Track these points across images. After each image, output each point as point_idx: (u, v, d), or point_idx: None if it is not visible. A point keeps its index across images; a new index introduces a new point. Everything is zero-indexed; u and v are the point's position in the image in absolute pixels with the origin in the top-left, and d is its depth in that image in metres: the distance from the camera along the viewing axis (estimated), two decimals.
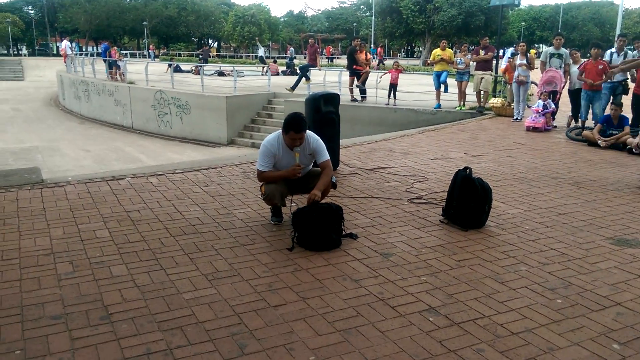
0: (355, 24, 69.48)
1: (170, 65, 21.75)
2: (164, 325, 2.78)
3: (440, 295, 3.21)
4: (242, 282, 3.32)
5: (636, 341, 2.72)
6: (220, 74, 25.11)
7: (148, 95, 18.46)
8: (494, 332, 2.79)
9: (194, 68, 26.00)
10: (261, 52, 32.34)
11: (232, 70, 20.51)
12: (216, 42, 74.98)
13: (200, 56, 39.18)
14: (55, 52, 58.22)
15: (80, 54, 35.01)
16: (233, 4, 74.78)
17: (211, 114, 16.52)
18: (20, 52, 68.56)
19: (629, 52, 9.48)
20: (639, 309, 3.06)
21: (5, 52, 64.38)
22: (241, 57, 53.16)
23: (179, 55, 51.85)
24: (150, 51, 46.76)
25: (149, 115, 18.51)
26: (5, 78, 38.25)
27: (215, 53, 62.17)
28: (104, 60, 23.19)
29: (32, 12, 70.20)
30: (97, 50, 40.66)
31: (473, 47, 15.25)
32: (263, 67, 27.11)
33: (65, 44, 29.67)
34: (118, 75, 21.73)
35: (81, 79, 23.14)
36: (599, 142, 8.20)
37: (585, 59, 9.70)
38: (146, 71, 19.19)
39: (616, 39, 9.80)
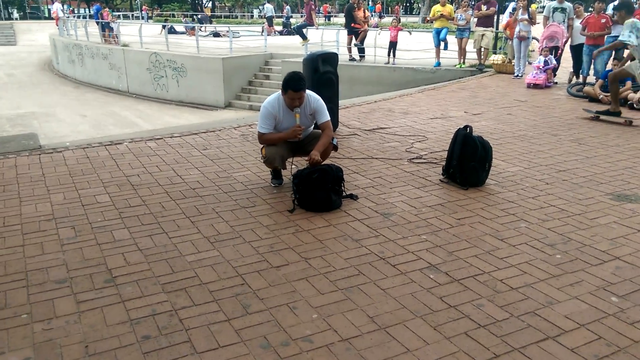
0: None
1: (164, 27, 21.32)
2: (168, 287, 2.81)
3: (441, 253, 3.24)
4: (244, 244, 3.34)
5: (634, 294, 2.76)
6: (216, 34, 24.66)
7: (143, 58, 18.18)
8: (494, 287, 2.83)
9: (188, 29, 25.50)
10: (270, 11, 31.17)
11: (227, 31, 20.13)
12: (210, 2, 73.35)
13: (199, 18, 38.30)
14: (47, 15, 57.00)
15: (73, 17, 34.26)
16: None
17: (207, 77, 16.31)
18: (11, 15, 67.14)
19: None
20: (638, 263, 3.10)
21: None
22: (236, 17, 52.09)
23: (173, 16, 50.80)
24: (143, 12, 45.77)
25: (145, 79, 18.27)
26: None
27: (209, 13, 60.92)
28: (97, 23, 22.74)
29: None
30: (90, 12, 39.83)
31: (474, 3, 14.91)
32: (263, 27, 26.57)
33: (56, 7, 29.01)
34: (112, 38, 21.35)
35: (74, 42, 22.75)
36: (600, 97, 8.12)
37: (588, 13, 9.50)
38: (140, 33, 18.84)
39: None
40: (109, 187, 4.35)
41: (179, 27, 27.83)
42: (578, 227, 3.62)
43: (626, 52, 8.93)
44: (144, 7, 50.36)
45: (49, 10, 50.12)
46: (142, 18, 41.12)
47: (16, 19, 61.84)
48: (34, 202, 4.00)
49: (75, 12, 45.48)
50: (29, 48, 34.01)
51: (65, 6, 35.41)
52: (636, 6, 8.96)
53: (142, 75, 18.34)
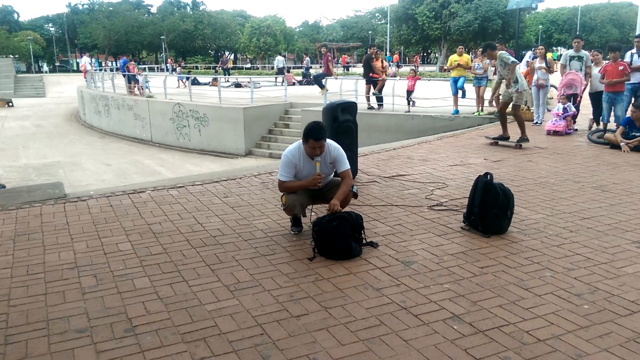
0: (370, 32, 69.65)
1: (187, 79, 22.01)
2: (188, 337, 2.79)
3: (464, 302, 3.17)
4: (263, 292, 3.32)
5: None
6: (237, 85, 25.34)
7: (166, 109, 18.70)
8: (520, 339, 2.74)
9: (211, 80, 26.27)
10: (281, 63, 32.36)
11: (248, 82, 20.68)
12: (233, 54, 75.77)
13: (220, 67, 39.53)
14: (75, 68, 59.46)
15: (100, 70, 35.64)
16: (249, 15, 75.65)
17: (229, 126, 16.65)
18: (41, 69, 70.13)
19: None
20: None
21: (26, 69, 65.86)
22: (257, 68, 53.58)
23: (196, 68, 52.49)
24: (168, 65, 47.43)
25: (168, 128, 18.73)
26: (27, 95, 39.16)
27: (231, 64, 62.87)
28: (123, 75, 23.58)
29: (53, 29, 71.99)
30: (116, 65, 41.35)
31: None
32: (276, 78, 27.30)
33: (85, 60, 30.28)
34: (137, 90, 22.07)
35: (101, 94, 23.55)
36: (621, 144, 8.06)
37: (606, 61, 9.57)
38: (164, 85, 19.46)
39: (635, 39, 9.66)
40: (131, 235, 4.40)
41: (203, 79, 28.69)
42: (605, 276, 3.52)
43: None
44: (169, 59, 52.17)
45: (78, 63, 52.31)
46: (167, 70, 42.52)
47: (46, 72, 64.61)
48: (58, 251, 4.05)
49: (103, 65, 47.33)
50: (57, 100, 35.33)
51: (93, 60, 36.88)
52: None
53: (165, 125, 18.81)
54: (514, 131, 8.82)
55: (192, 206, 5.24)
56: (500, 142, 8.77)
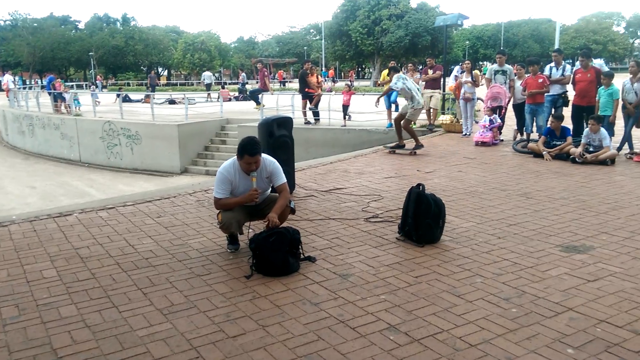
0: (305, 47, 70.39)
1: (118, 95, 21.34)
2: None
3: (400, 312, 3.22)
4: (198, 314, 3.23)
5: (589, 344, 2.80)
6: (171, 102, 24.81)
7: (96, 127, 18.01)
8: (453, 345, 2.81)
9: (144, 97, 25.61)
10: (208, 79, 32.31)
11: (183, 98, 20.31)
12: (166, 70, 74.33)
13: (147, 84, 38.51)
14: None
15: (24, 88, 33.90)
16: (182, 31, 74.58)
17: (163, 143, 16.24)
18: None
19: (567, 65, 9.94)
20: (590, 313, 3.16)
21: None
22: (192, 84, 52.79)
23: (128, 84, 51.04)
24: (97, 82, 45.83)
25: (98, 147, 18.02)
26: None
27: (165, 81, 61.59)
28: (49, 93, 22.55)
29: None
30: (42, 83, 39.47)
31: (422, 67, 15.67)
32: (209, 94, 27.04)
33: (7, 78, 28.68)
34: (64, 108, 21.15)
35: (25, 113, 22.36)
36: (543, 153, 8.52)
37: (528, 75, 10.14)
38: (93, 102, 18.75)
39: (553, 54, 10.29)
40: (56, 261, 4.17)
41: (134, 96, 27.93)
42: (531, 279, 3.69)
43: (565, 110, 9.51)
44: (98, 76, 50.47)
45: (0, 81, 49.54)
46: (97, 87, 41.06)
47: None
48: None
49: (27, 83, 45.03)
50: None
51: (16, 77, 35.03)
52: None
53: (95, 144, 18.09)
54: (446, 142, 9.14)
55: (123, 228, 5.04)
56: (397, 151, 9.71)
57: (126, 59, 63.80)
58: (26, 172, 17.69)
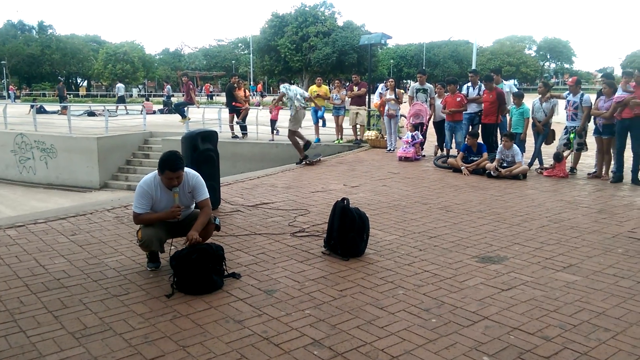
0: (233, 61, 69.91)
1: (32, 107, 20.15)
2: None
3: (324, 327, 3.22)
4: (114, 336, 3.08)
5: (503, 352, 2.93)
6: (91, 114, 23.78)
7: (7, 140, 16.88)
8: (376, 358, 2.85)
9: (60, 109, 24.34)
10: (121, 91, 31.58)
11: (103, 110, 19.49)
12: (86, 81, 71.18)
13: (56, 95, 36.48)
14: None
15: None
16: (103, 41, 71.78)
17: (80, 157, 15.47)
18: None
19: (482, 85, 10.49)
20: (504, 321, 3.31)
21: None
22: (114, 96, 50.89)
23: (44, 95, 48.36)
24: (10, 92, 43.06)
25: (9, 161, 16.89)
26: None
27: (84, 92, 58.94)
28: None
29: None
30: None
31: (348, 84, 16.00)
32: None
33: None
34: None
35: None
36: (462, 168, 8.92)
37: (447, 94, 10.61)
38: (4, 113, 17.60)
39: (470, 74, 10.85)
40: None
41: (50, 107, 26.48)
42: (450, 290, 3.82)
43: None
44: (10, 86, 47.44)
45: None
46: (9, 97, 38.60)
47: None
48: None
49: None
50: None
51: None
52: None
53: (5, 158, 16.94)
54: (371, 158, 9.33)
55: (34, 247, 4.73)
56: (306, 162, 10.26)
57: (42, 69, 60.43)
58: None
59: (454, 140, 10.43)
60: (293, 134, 10.29)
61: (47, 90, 54.54)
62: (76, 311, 3.41)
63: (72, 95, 49.46)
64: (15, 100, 37.79)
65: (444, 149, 10.70)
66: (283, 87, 10.61)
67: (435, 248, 4.82)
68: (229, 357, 2.86)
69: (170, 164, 3.92)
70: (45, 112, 23.94)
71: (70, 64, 62.26)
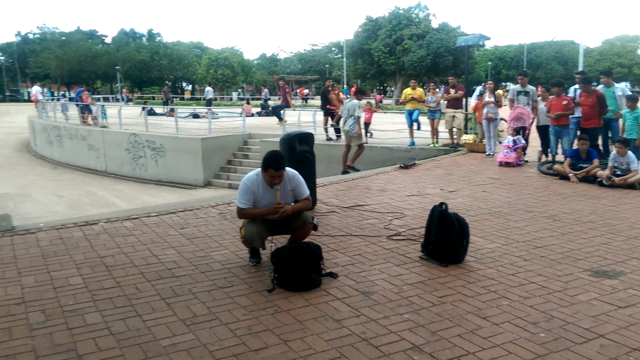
0: (327, 65, 70.88)
1: (144, 109, 21.73)
2: None
3: (424, 332, 3.17)
4: (221, 326, 3.23)
5: None
6: (195, 116, 25.17)
7: (122, 139, 18.33)
8: None
9: (168, 111, 26.03)
10: (210, 94, 33.37)
11: (206, 112, 20.59)
12: (190, 85, 75.44)
13: (162, 98, 39.08)
14: (26, 97, 57.70)
15: (52, 99, 34.74)
16: (206, 47, 75.70)
17: (186, 156, 16.45)
18: None
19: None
20: (622, 340, 3.07)
21: None
22: (215, 99, 53.52)
23: (153, 98, 51.90)
24: (123, 95, 46.69)
25: (123, 159, 18.33)
26: None
27: (189, 96, 62.43)
28: (76, 105, 23.05)
29: (2, 58, 69.91)
30: (70, 95, 40.31)
31: (443, 86, 15.65)
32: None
33: (35, 90, 29.46)
34: (90, 119, 21.59)
35: (53, 124, 22.89)
36: (570, 175, 8.39)
37: (551, 97, 10.05)
38: (119, 115, 19.12)
39: (577, 75, 10.22)
40: (82, 268, 4.22)
41: (159, 109, 28.40)
42: (560, 304, 3.61)
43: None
44: (123, 89, 51.42)
45: (29, 93, 50.85)
46: (122, 100, 41.85)
47: None
48: (4, 285, 3.84)
49: (55, 94, 46.11)
50: (7, 130, 34.01)
51: (45, 89, 35.90)
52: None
53: (120, 156, 18.41)
54: (469, 162, 9.02)
55: (147, 238, 5.09)
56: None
57: (151, 73, 64.95)
58: (54, 181, 18.04)
59: (559, 146, 9.85)
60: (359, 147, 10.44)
61: (155, 94, 58.46)
62: (186, 300, 3.63)
63: (177, 99, 52.54)
64: (128, 103, 40.88)
65: (549, 154, 10.12)
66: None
67: (542, 259, 4.57)
68: (328, 354, 2.90)
69: (274, 163, 4.06)
70: (155, 114, 25.71)
71: (177, 69, 66.39)
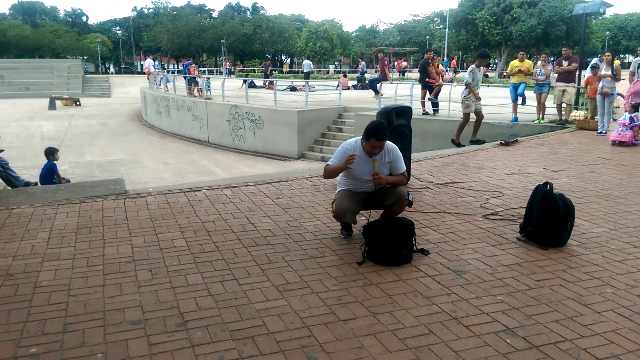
0: (428, 36, 68.76)
1: (245, 81, 22.46)
2: (236, 334, 2.83)
3: (518, 316, 3.06)
4: (312, 294, 3.33)
5: None
6: (293, 89, 25.62)
7: (224, 110, 19.14)
8: (577, 356, 2.62)
9: (267, 84, 26.73)
10: (308, 67, 33.68)
11: (304, 86, 20.88)
12: (289, 58, 76.71)
13: (262, 71, 40.31)
14: (139, 69, 61.88)
15: (164, 72, 36.94)
16: (307, 20, 76.35)
17: (283, 128, 16.86)
18: (107, 70, 73.44)
19: None
20: None
21: (94, 70, 69.09)
22: (313, 72, 54.05)
23: (254, 71, 53.47)
24: (225, 68, 48.56)
25: (224, 130, 19.16)
26: (93, 94, 41.06)
27: (287, 69, 63.57)
28: (184, 77, 24.34)
29: (120, 32, 75.20)
30: (178, 67, 42.59)
31: (553, 58, 14.61)
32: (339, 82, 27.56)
33: (149, 62, 31.42)
34: (196, 91, 22.71)
35: (162, 95, 24.38)
36: None
37: None
38: (222, 87, 19.93)
39: None
40: (185, 232, 4.52)
41: (259, 82, 29.23)
42: None
43: None
44: (225, 63, 53.41)
45: (142, 65, 54.47)
46: (225, 73, 43.54)
47: (112, 73, 67.58)
48: (117, 244, 4.22)
49: (166, 67, 49.01)
50: (121, 100, 36.85)
51: (156, 62, 38.20)
52: None
53: (222, 127, 19.26)
54: (578, 140, 8.45)
55: (245, 206, 5.32)
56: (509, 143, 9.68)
57: (253, 47, 66.77)
58: (161, 149, 19.34)
59: None
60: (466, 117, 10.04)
61: (256, 67, 60.19)
62: (279, 267, 3.77)
63: (277, 72, 53.70)
64: (230, 76, 42.48)
65: None
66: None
67: None
68: (417, 330, 2.89)
69: (377, 133, 4.04)
70: (255, 86, 26.47)
71: (277, 42, 67.65)
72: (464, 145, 9.92)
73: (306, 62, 35.42)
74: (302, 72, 36.17)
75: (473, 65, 9.91)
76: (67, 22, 73.23)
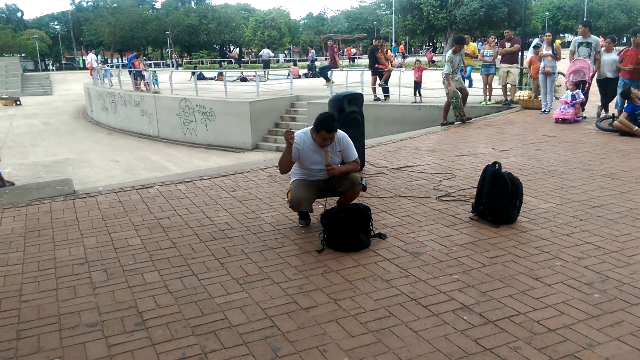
0: (375, 22, 69.14)
1: (194, 74, 22.02)
2: (198, 330, 2.81)
3: (474, 293, 3.16)
4: (272, 285, 3.33)
5: None
6: (243, 79, 25.30)
7: (173, 104, 18.73)
8: (531, 329, 2.73)
9: (217, 75, 26.28)
10: (266, 55, 33.36)
11: (254, 76, 20.67)
12: (237, 48, 75.66)
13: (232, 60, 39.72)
14: (81, 65, 59.60)
15: (107, 66, 35.73)
16: (253, 9, 75.32)
17: (235, 120, 16.67)
18: (47, 67, 70.38)
19: None
20: None
21: (33, 67, 66.07)
22: (271, 60, 53.43)
23: (202, 62, 52.42)
24: (173, 60, 47.41)
25: (175, 124, 18.78)
26: (34, 93, 39.29)
27: (236, 56, 62.69)
28: (129, 72, 23.62)
29: (58, 27, 72.07)
30: (122, 61, 41.33)
31: (497, 40, 15.01)
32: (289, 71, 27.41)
33: (91, 57, 30.29)
34: (143, 85, 22.10)
35: (108, 90, 23.62)
36: (634, 130, 7.95)
37: (625, 47, 9.35)
38: (170, 80, 19.48)
39: None
40: (140, 230, 4.42)
41: (208, 74, 28.70)
42: (616, 265, 3.50)
43: None
44: (173, 55, 52.16)
45: (84, 60, 52.46)
46: (172, 65, 42.53)
47: (52, 70, 64.77)
48: (68, 246, 4.08)
49: (109, 62, 47.41)
50: (64, 97, 35.44)
51: (99, 56, 36.91)
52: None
53: (172, 121, 18.86)
54: (523, 120, 8.73)
55: (201, 200, 5.25)
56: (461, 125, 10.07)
57: (200, 38, 65.41)
58: (110, 146, 18.76)
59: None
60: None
61: (203, 58, 59.01)
62: (239, 260, 3.75)
63: (225, 62, 52.85)
64: (178, 68, 41.54)
65: (615, 109, 9.57)
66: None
67: (598, 219, 4.42)
68: (377, 313, 2.94)
69: (326, 125, 4.06)
70: (205, 78, 25.97)
71: (224, 32, 66.46)
72: (452, 123, 10.16)
73: (265, 50, 34.84)
74: (260, 61, 35.60)
75: (450, 53, 9.83)
76: (1, 19, 69.62)
